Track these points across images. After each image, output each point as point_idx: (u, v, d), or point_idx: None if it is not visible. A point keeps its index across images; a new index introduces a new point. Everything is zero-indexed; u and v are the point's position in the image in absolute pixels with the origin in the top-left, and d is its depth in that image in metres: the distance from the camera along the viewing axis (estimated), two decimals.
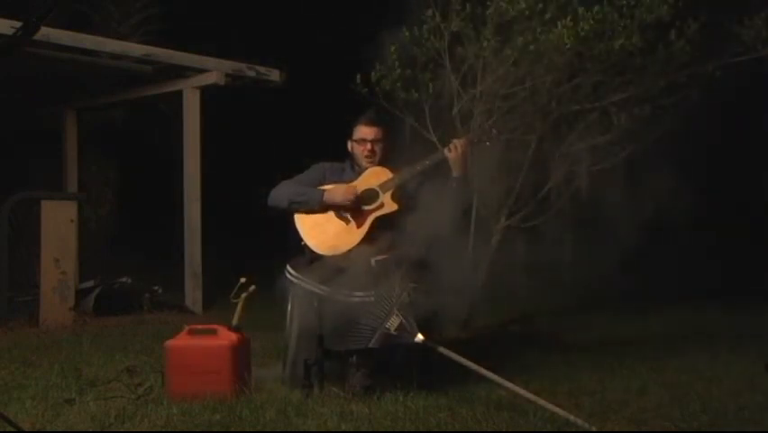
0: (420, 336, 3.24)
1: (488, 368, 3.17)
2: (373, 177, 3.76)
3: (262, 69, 7.24)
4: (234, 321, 3.58)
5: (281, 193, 3.78)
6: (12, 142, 8.41)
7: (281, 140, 11.48)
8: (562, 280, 6.08)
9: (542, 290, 6.04)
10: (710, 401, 3.23)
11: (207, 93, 7.13)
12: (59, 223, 6.13)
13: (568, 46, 4.86)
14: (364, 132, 3.82)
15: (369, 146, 3.80)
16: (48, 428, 2.96)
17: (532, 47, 4.93)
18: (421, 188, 3.82)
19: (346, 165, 3.92)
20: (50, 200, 6.21)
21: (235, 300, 3.62)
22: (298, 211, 3.75)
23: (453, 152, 3.68)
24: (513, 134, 5.19)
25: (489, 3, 5.06)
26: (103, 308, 6.43)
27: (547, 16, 4.95)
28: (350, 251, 3.62)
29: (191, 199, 7.02)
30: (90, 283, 6.78)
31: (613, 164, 5.27)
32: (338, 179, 3.85)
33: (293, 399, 3.26)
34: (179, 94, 7.13)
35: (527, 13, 4.93)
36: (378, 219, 3.67)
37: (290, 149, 8.51)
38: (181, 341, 3.50)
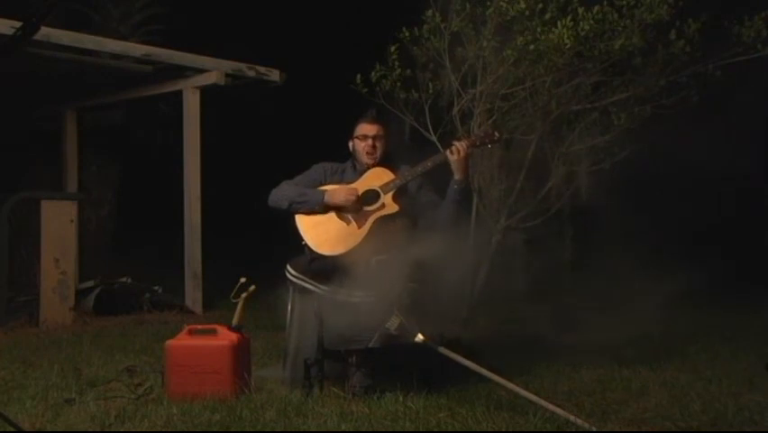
0: (420, 336, 3.24)
1: (488, 368, 3.17)
2: (375, 178, 3.76)
3: (262, 69, 7.24)
4: (234, 321, 3.58)
5: (282, 194, 3.78)
6: (12, 142, 8.40)
7: (281, 140, 11.49)
8: (562, 279, 6.08)
9: (542, 289, 6.02)
10: (710, 401, 3.23)
11: (207, 93, 7.13)
12: (59, 223, 6.14)
13: (568, 46, 4.86)
14: (366, 128, 3.83)
15: (370, 142, 3.80)
16: (48, 428, 2.96)
17: (532, 47, 4.93)
18: (422, 190, 3.82)
19: (347, 165, 3.92)
20: (50, 200, 6.21)
21: (235, 300, 3.63)
22: (299, 212, 3.75)
23: (456, 154, 3.65)
24: (513, 134, 5.19)
25: (488, 3, 5.06)
26: (103, 308, 6.43)
27: (547, 16, 4.95)
28: (350, 251, 3.62)
29: (191, 199, 7.02)
30: (90, 283, 6.78)
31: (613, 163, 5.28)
32: (338, 179, 3.85)
33: (293, 399, 3.26)
34: (179, 94, 7.13)
35: (527, 13, 4.93)
36: (379, 220, 3.67)
37: (290, 149, 8.53)
38: (181, 341, 3.50)
